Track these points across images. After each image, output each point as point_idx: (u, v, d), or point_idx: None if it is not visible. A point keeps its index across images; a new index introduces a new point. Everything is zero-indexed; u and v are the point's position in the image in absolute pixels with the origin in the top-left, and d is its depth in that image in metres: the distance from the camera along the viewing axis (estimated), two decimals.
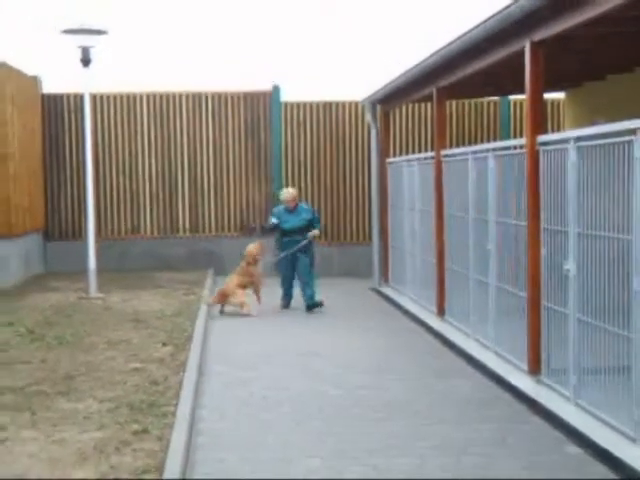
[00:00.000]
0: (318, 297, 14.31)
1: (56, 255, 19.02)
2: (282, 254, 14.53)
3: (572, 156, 7.86)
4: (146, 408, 7.98)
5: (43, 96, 19.22)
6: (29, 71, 18.59)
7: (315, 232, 14.63)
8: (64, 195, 19.29)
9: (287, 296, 14.72)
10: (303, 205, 15.25)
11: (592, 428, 7.17)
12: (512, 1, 8.27)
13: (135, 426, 7.38)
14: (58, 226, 19.31)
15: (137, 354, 10.39)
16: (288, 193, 14.93)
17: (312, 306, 14.15)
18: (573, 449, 7.07)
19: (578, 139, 7.82)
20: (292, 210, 14.63)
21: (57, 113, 19.26)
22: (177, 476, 6.14)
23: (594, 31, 8.26)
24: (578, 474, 6.50)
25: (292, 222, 14.53)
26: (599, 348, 7.50)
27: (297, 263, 14.42)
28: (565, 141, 8.11)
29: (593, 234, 7.52)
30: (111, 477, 6.11)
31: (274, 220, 14.67)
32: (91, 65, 15.45)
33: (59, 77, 20.06)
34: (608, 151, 7.14)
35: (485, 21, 9.21)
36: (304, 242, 14.40)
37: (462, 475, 6.49)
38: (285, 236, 14.56)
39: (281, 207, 14.89)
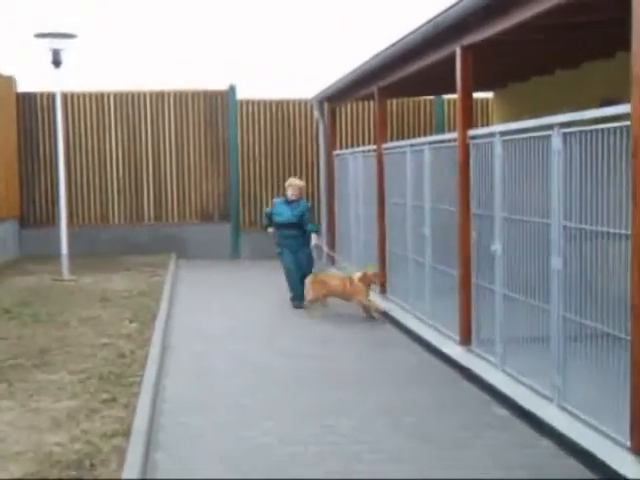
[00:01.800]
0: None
1: (31, 240, 18.84)
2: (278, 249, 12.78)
3: (498, 148, 7.92)
4: (114, 379, 7.96)
5: (18, 95, 18.98)
6: (4, 71, 18.37)
7: (315, 239, 12.90)
8: (38, 185, 19.11)
9: (298, 294, 12.51)
10: (303, 202, 12.96)
11: (517, 392, 7.26)
12: (444, 9, 8.33)
13: (104, 395, 7.37)
14: (33, 214, 19.14)
15: (106, 330, 10.33)
16: (291, 184, 12.93)
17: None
18: (500, 410, 7.16)
19: (503, 133, 7.89)
20: (291, 203, 12.70)
21: (31, 110, 19.05)
22: (143, 438, 6.15)
23: (517, 37, 8.31)
24: (504, 432, 6.60)
25: (285, 216, 12.59)
26: (522, 320, 7.59)
27: (297, 260, 12.57)
28: (491, 135, 8.16)
29: (517, 218, 7.59)
30: (82, 442, 6.10)
31: (267, 210, 13.22)
32: (62, 66, 15.33)
33: (32, 77, 19.91)
34: (530, 144, 7.21)
35: (420, 27, 9.25)
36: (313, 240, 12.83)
37: (402, 431, 6.58)
38: (278, 229, 12.72)
39: (280, 199, 13.13)
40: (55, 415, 6.79)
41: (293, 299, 12.62)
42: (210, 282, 15.72)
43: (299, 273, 12.52)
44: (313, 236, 12.89)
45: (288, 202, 12.72)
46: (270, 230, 12.95)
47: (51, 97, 17.48)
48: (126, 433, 6.26)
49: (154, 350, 9.20)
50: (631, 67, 5.45)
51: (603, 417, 6.00)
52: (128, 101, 19.25)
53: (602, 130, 5.93)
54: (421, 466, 5.87)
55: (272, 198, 18.92)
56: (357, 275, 11.72)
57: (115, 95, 19.23)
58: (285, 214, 12.61)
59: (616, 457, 5.57)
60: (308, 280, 12.15)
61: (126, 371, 8.28)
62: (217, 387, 8.14)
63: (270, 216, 12.88)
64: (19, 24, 29.66)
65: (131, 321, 10.97)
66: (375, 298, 12.10)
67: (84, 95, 19.12)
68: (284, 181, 19.14)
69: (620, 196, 5.73)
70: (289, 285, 12.77)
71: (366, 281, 11.65)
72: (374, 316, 11.46)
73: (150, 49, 30.82)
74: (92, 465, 5.63)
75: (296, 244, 12.62)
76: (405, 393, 7.81)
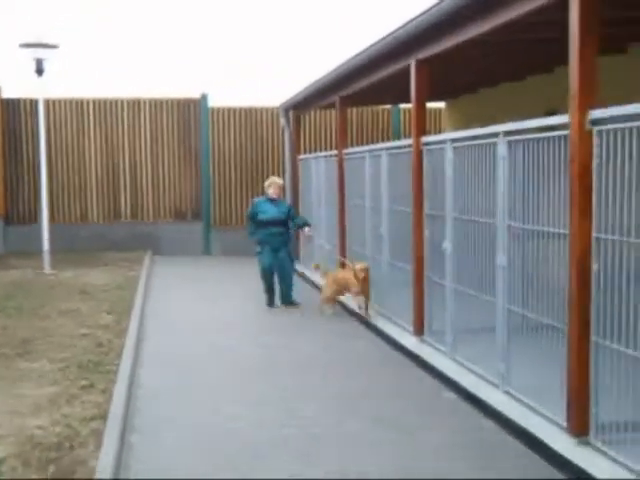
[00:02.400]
0: (296, 296, 12.02)
1: (14, 237, 18.64)
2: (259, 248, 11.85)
3: (449, 154, 7.98)
4: (93, 367, 7.93)
5: (2, 100, 18.75)
6: None
7: (308, 231, 12.44)
8: (21, 185, 18.91)
9: (272, 292, 11.94)
10: (283, 200, 12.61)
11: (465, 378, 7.34)
12: (400, 26, 8.36)
13: (83, 382, 7.34)
14: (16, 212, 18.91)
15: (85, 321, 10.27)
16: (273, 183, 12.08)
17: (290, 303, 11.86)
18: (450, 394, 7.24)
19: (453, 140, 7.95)
20: (273, 201, 11.93)
21: (15, 115, 18.85)
22: (119, 421, 6.14)
23: (467, 52, 8.38)
24: (453, 414, 6.67)
25: (270, 213, 11.77)
26: (471, 312, 7.66)
27: (277, 257, 11.79)
28: (443, 142, 8.22)
29: (466, 219, 7.66)
30: (62, 426, 6.08)
31: (248, 212, 12.18)
32: (44, 74, 15.29)
33: (17, 84, 19.70)
34: (478, 150, 7.26)
35: (378, 42, 9.28)
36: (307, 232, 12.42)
37: (360, 415, 6.62)
38: (262, 227, 11.77)
39: (261, 198, 12.23)
40: (37, 401, 6.75)
41: (268, 296, 11.92)
42: (183, 277, 15.66)
43: (281, 272, 11.79)
44: (306, 229, 12.36)
45: (271, 200, 11.91)
46: (254, 238, 11.89)
47: (34, 103, 17.28)
48: (103, 417, 6.25)
49: (130, 340, 9.17)
50: (569, 81, 5.53)
51: (543, 401, 6.09)
52: (106, 108, 19.10)
53: (543, 138, 6.01)
54: (377, 447, 5.92)
55: (242, 198, 19.07)
56: (358, 266, 10.75)
57: (94, 102, 19.08)
58: (270, 211, 11.79)
59: (553, 437, 5.65)
60: (326, 280, 11.44)
61: (104, 359, 8.24)
62: (189, 374, 8.12)
63: (253, 218, 11.88)
64: (4, 35, 29.37)
65: (108, 313, 10.90)
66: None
67: (65, 101, 18.94)
68: (252, 183, 19.32)
69: (559, 199, 5.81)
70: (264, 285, 11.92)
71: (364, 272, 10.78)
72: (369, 312, 10.65)
73: (127, 59, 30.67)
74: (71, 447, 5.62)
75: (280, 241, 11.81)
76: (363, 380, 7.85)
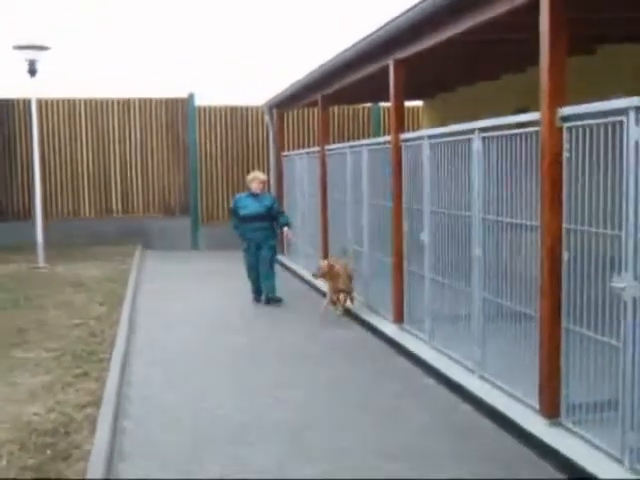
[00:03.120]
0: (278, 292, 11.46)
1: (9, 233, 18.51)
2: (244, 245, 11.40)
3: (426, 150, 8.00)
4: (86, 356, 7.92)
5: None
6: None
7: (287, 231, 11.84)
8: (16, 183, 18.81)
9: (258, 289, 11.54)
10: (266, 194, 12.03)
11: (443, 364, 7.37)
12: (378, 28, 8.38)
13: (77, 370, 7.34)
14: (11, 208, 18.83)
15: (78, 313, 10.25)
16: (255, 178, 11.46)
17: (272, 299, 11.34)
18: (428, 380, 7.28)
19: (431, 137, 7.97)
20: (256, 196, 11.34)
21: (9, 115, 18.73)
22: (112, 408, 6.14)
23: (443, 52, 8.39)
24: (431, 399, 6.71)
25: (251, 208, 11.22)
26: (448, 301, 7.70)
27: (260, 254, 11.29)
28: (421, 138, 8.23)
29: (443, 212, 7.69)
30: (57, 412, 6.08)
31: (231, 207, 11.61)
32: (37, 75, 15.19)
33: (10, 84, 19.61)
34: (454, 146, 7.29)
35: (357, 43, 9.29)
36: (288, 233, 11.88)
37: (344, 401, 6.65)
38: (244, 222, 11.30)
39: (243, 194, 11.67)
40: (32, 388, 6.75)
41: (254, 293, 11.60)
42: (172, 270, 15.63)
43: (262, 270, 11.30)
44: (285, 229, 11.67)
45: (253, 195, 11.32)
46: (237, 232, 11.49)
47: (27, 103, 17.23)
48: (97, 404, 6.25)
49: (122, 330, 9.16)
50: (540, 80, 5.57)
51: (516, 385, 6.14)
52: (97, 107, 19.02)
53: (516, 134, 6.05)
54: (361, 431, 5.95)
55: (228, 194, 19.02)
56: (340, 261, 10.61)
57: (85, 101, 18.99)
58: (251, 206, 11.22)
59: (526, 418, 5.70)
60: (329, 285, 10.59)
61: (97, 349, 8.24)
62: (178, 363, 8.13)
63: (235, 213, 11.43)
64: None
65: (101, 304, 10.88)
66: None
67: (57, 101, 18.85)
68: (237, 179, 19.29)
69: (531, 192, 5.86)
70: (250, 282, 11.58)
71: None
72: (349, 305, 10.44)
73: (117, 60, 30.61)
74: (66, 432, 5.63)
75: (262, 236, 11.25)
76: (346, 367, 7.87)
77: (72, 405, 6.26)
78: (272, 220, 11.47)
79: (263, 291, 11.48)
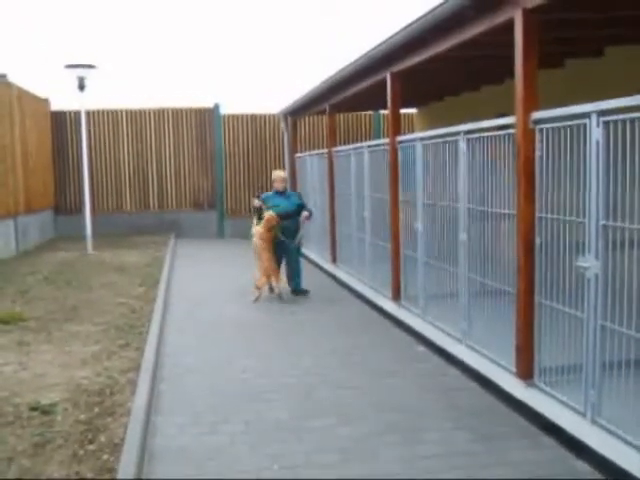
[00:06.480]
0: (304, 285, 10.60)
1: (63, 225, 18.71)
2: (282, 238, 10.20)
3: (419, 150, 8.01)
4: (128, 329, 8.01)
5: (51, 113, 18.77)
6: (42, 95, 18.22)
7: (306, 213, 10.33)
8: (68, 183, 18.91)
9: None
10: (293, 193, 11.46)
11: (434, 334, 7.41)
12: (376, 45, 8.37)
13: (120, 341, 7.42)
14: (64, 204, 18.93)
15: (121, 292, 10.33)
16: (277, 175, 10.58)
17: (299, 292, 10.46)
18: (421, 348, 7.31)
19: (422, 139, 7.99)
20: (282, 193, 10.44)
21: (62, 125, 18.83)
22: (150, 373, 6.20)
23: (432, 66, 8.39)
24: (424, 364, 6.74)
25: (283, 205, 10.25)
26: (438, 281, 7.72)
27: (286, 249, 10.34)
28: (414, 140, 8.24)
29: (434, 203, 7.71)
30: (104, 376, 6.14)
31: (256, 202, 10.37)
32: (85, 90, 15.26)
33: (63, 98, 19.78)
34: (443, 147, 7.30)
35: (359, 58, 9.25)
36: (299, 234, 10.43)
37: (347, 365, 6.69)
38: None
39: (270, 193, 10.60)
40: (83, 356, 6.83)
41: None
42: (201, 256, 15.69)
43: (289, 263, 10.48)
44: (305, 214, 10.36)
45: (280, 193, 10.42)
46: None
47: (77, 114, 17.48)
48: (137, 369, 6.32)
49: (158, 307, 9.23)
50: (515, 89, 5.58)
51: (497, 351, 6.16)
52: (136, 116, 19.07)
53: (496, 136, 6.06)
54: (362, 390, 5.99)
55: (249, 191, 19.07)
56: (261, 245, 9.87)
57: (126, 112, 19.04)
58: (282, 204, 10.25)
59: (504, 380, 5.73)
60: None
61: (137, 323, 8.32)
62: (207, 334, 8.18)
63: (260, 211, 10.29)
64: (51, 58, 29.36)
65: (140, 285, 10.96)
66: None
67: (103, 112, 18.91)
68: (257, 178, 19.33)
69: (508, 186, 5.87)
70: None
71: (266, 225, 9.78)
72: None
73: (154, 75, 30.68)
74: (112, 393, 5.70)
75: (290, 233, 10.31)
76: (350, 337, 7.92)
77: (116, 370, 6.34)
78: (297, 218, 10.46)
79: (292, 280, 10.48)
